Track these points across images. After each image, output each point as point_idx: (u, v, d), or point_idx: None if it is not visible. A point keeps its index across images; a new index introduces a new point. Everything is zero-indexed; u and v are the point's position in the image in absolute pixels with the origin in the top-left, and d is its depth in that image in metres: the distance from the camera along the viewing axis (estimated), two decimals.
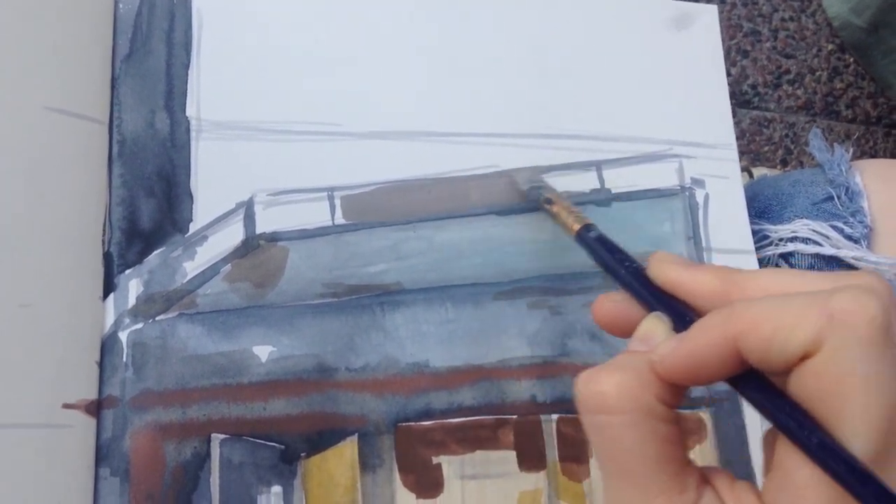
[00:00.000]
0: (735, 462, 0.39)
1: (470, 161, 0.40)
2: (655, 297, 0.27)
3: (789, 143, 1.17)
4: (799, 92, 1.26)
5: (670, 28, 0.45)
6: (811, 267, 0.45)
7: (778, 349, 0.21)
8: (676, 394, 0.24)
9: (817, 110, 1.27)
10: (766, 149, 0.95)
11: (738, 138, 0.94)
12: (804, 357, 0.21)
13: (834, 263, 0.44)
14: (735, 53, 0.97)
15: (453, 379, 0.37)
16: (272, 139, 0.37)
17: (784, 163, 1.05)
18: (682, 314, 0.25)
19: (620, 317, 0.28)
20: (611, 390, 0.23)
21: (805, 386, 0.21)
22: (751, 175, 0.85)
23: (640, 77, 0.45)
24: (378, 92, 0.40)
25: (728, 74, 0.97)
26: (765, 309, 0.22)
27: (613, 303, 0.28)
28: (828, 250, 0.44)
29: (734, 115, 0.93)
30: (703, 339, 0.23)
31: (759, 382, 0.23)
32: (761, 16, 1.27)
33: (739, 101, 0.96)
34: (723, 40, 0.94)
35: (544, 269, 0.40)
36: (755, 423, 0.40)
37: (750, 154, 0.93)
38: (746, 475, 0.39)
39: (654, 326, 0.26)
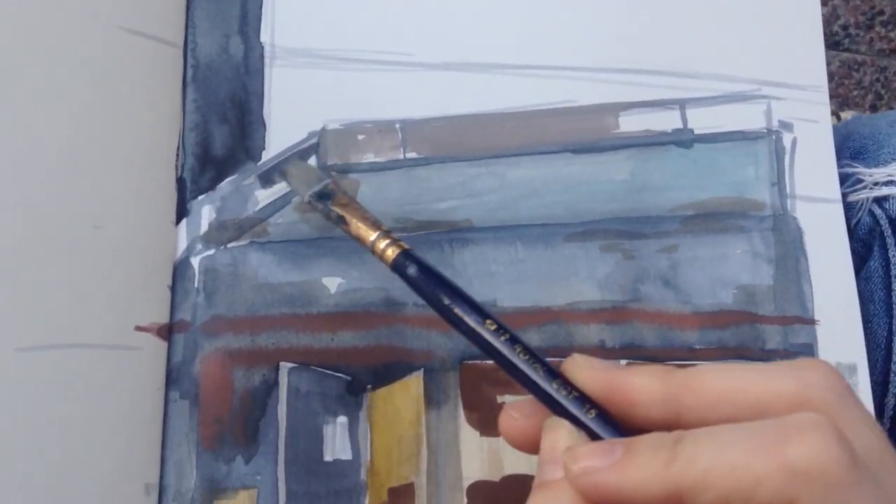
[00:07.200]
0: None
1: (546, 95, 0.39)
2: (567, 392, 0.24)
3: (880, 87, 1.11)
4: (892, 34, 1.19)
5: None
6: None
7: None
8: None
9: None
10: (854, 93, 0.90)
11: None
12: None
13: None
14: None
15: (520, 320, 0.37)
16: (344, 68, 0.37)
17: (873, 108, 0.99)
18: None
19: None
20: None
21: None
22: (838, 119, 0.81)
23: (730, 12, 0.42)
24: (452, 22, 0.39)
25: None
26: (716, 462, 0.19)
27: (522, 419, 0.25)
28: None
29: None
30: (640, 477, 0.20)
31: None
32: None
33: (829, 42, 0.91)
34: None
35: (619, 212, 0.39)
36: None
37: (838, 98, 0.89)
38: None
39: (565, 435, 0.23)
